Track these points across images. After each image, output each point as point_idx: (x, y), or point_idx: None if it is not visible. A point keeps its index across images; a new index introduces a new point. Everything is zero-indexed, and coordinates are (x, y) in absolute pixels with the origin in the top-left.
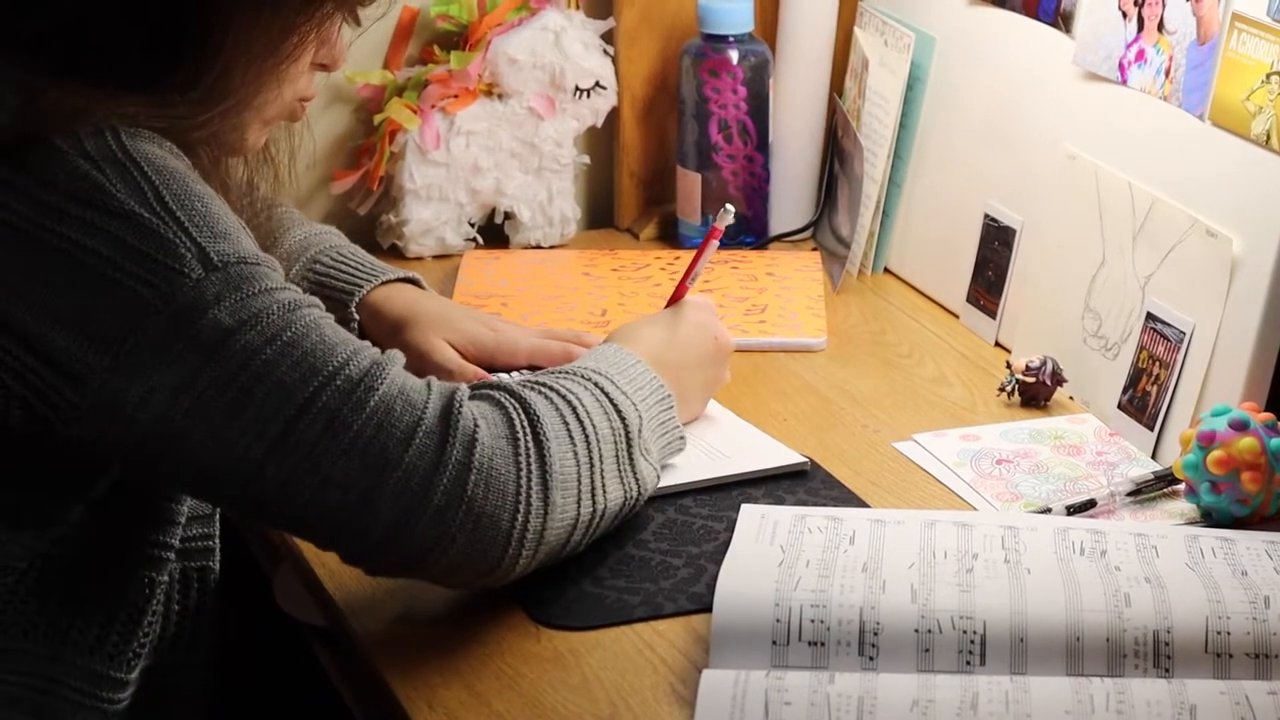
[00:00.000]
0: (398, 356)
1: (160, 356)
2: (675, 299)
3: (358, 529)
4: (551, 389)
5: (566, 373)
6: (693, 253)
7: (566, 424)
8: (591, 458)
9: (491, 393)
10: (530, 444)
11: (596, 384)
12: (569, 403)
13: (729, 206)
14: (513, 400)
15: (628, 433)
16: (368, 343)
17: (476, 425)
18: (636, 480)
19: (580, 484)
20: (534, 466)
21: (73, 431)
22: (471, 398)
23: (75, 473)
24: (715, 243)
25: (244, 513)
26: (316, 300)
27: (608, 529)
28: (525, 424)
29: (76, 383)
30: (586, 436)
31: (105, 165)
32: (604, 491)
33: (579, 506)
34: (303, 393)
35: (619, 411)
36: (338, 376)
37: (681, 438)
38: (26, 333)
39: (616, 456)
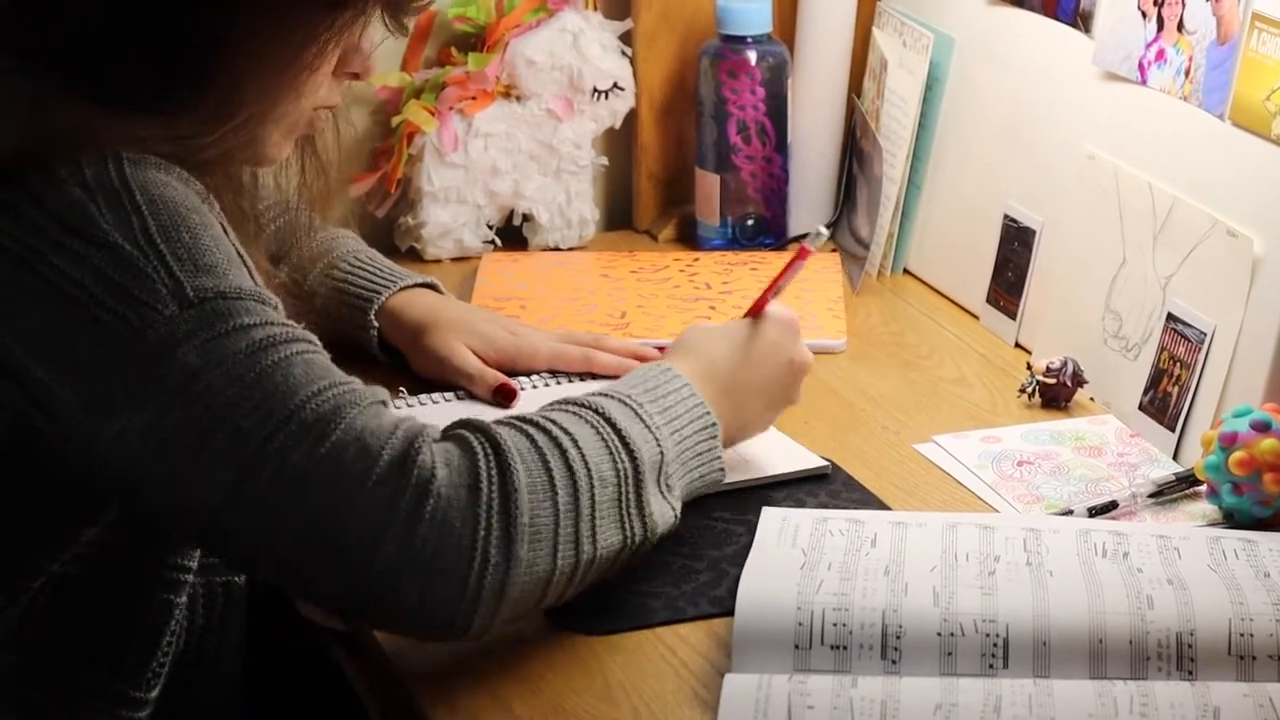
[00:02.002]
0: (377, 393)
1: (131, 396)
2: (755, 311)
3: (312, 579)
4: (542, 429)
5: (574, 406)
6: (723, 253)
7: (548, 468)
8: (578, 504)
9: (465, 434)
10: (494, 494)
11: (609, 419)
12: (558, 444)
13: (822, 229)
14: (485, 444)
15: (637, 471)
16: (348, 381)
17: (434, 474)
18: (643, 522)
19: (559, 534)
20: (496, 518)
21: (52, 463)
22: (445, 437)
23: (78, 498)
24: (804, 261)
25: (211, 554)
26: (305, 336)
27: (607, 573)
28: (493, 471)
29: (51, 417)
30: (574, 481)
31: (99, 194)
32: (593, 539)
33: (556, 559)
34: (257, 437)
35: (628, 449)
36: (291, 421)
37: (721, 469)
38: (11, 361)
39: (619, 499)
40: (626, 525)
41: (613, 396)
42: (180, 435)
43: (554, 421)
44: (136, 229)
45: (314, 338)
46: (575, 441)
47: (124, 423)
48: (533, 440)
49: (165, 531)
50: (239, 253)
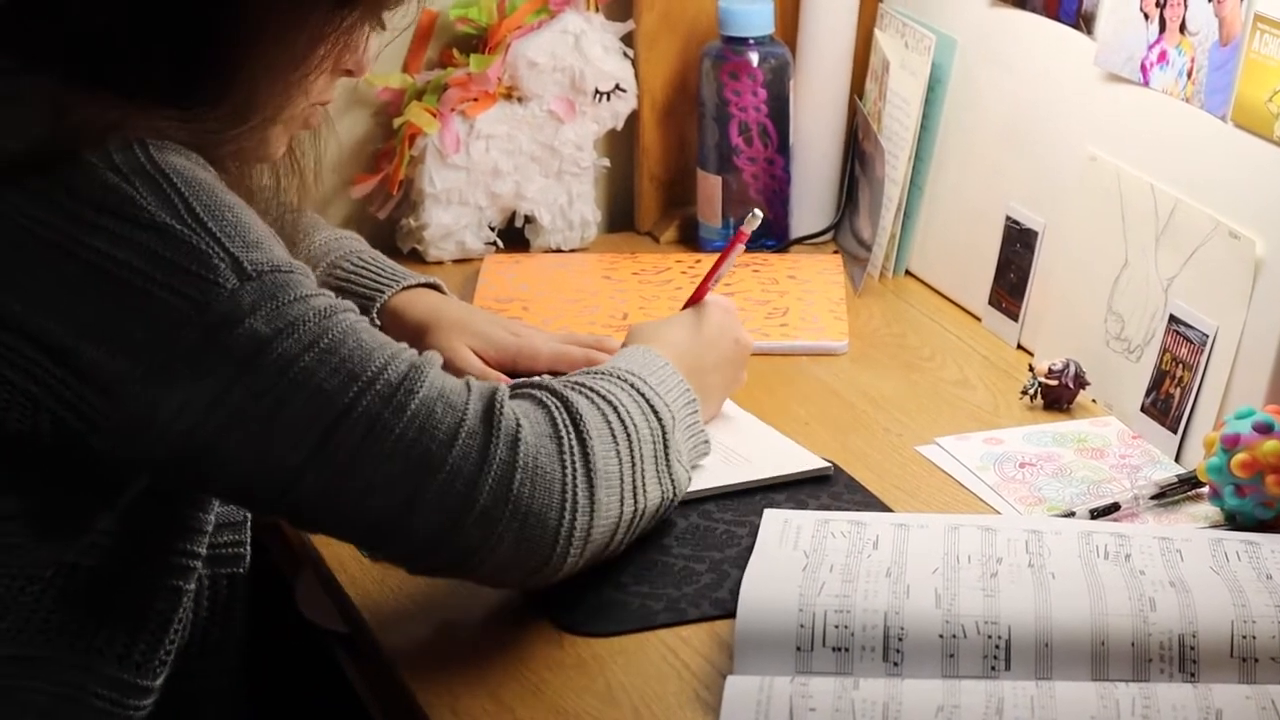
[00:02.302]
0: (435, 358)
1: (194, 368)
2: (695, 300)
3: (402, 533)
4: (591, 389)
5: (603, 374)
6: (716, 255)
7: (609, 423)
8: (634, 457)
9: (533, 392)
10: (574, 442)
11: (633, 385)
12: (609, 402)
13: (756, 211)
14: (555, 399)
15: (664, 434)
16: (405, 345)
17: (519, 424)
18: (673, 481)
19: (624, 483)
20: (579, 464)
21: (104, 443)
22: (513, 396)
23: (103, 482)
24: (740, 246)
25: (280, 518)
26: (351, 305)
27: (645, 529)
28: (568, 422)
29: (107, 395)
30: (629, 436)
31: (134, 178)
32: (644, 491)
33: (622, 505)
34: (342, 399)
35: (655, 413)
36: (377, 381)
37: (706, 441)
38: (56, 345)
39: (655, 457)
40: (663, 481)
41: (622, 368)
42: (254, 403)
43: (597, 383)
44: (182, 209)
45: (355, 306)
46: (621, 402)
47: (188, 393)
48: (590, 399)
49: (231, 501)
50: (270, 231)
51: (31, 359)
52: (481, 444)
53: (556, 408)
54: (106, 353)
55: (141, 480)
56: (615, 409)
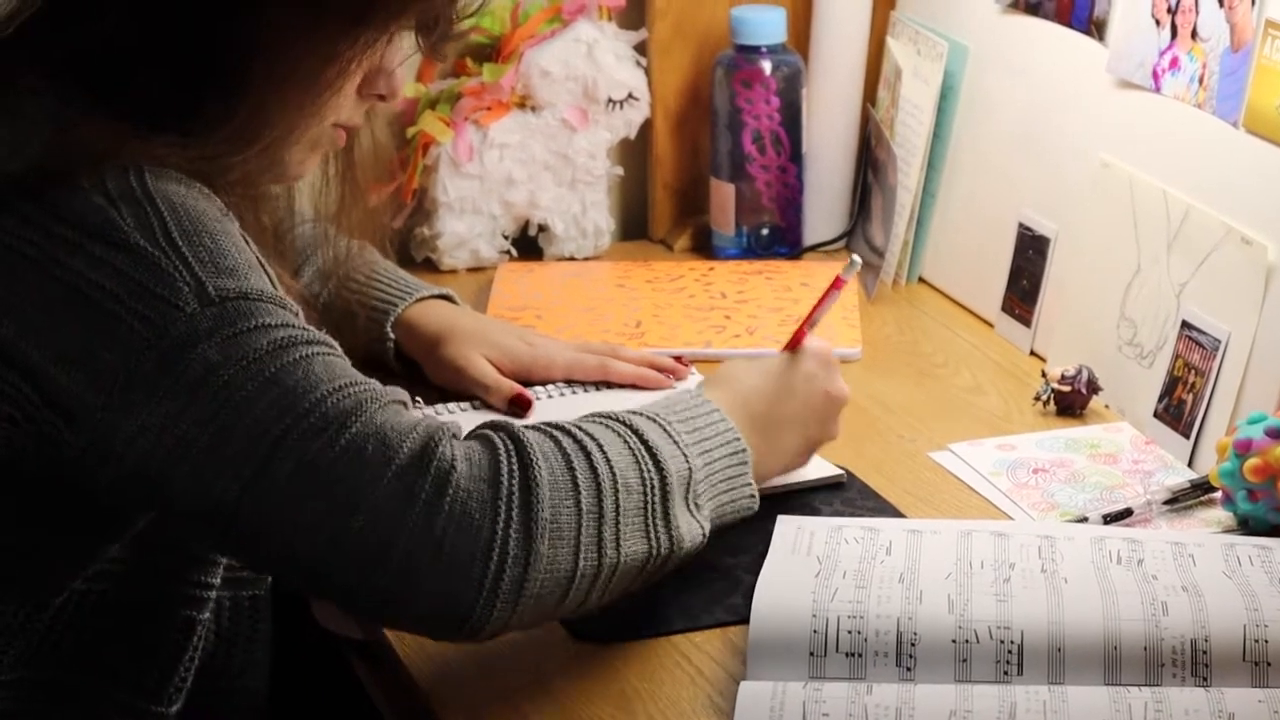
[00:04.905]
0: (397, 394)
1: (150, 394)
2: (792, 345)
3: (328, 574)
4: (567, 433)
5: (603, 418)
6: (738, 262)
7: (572, 469)
8: (601, 507)
9: (488, 433)
10: (515, 488)
11: (636, 431)
12: (583, 448)
13: (856, 258)
14: (508, 441)
15: (665, 483)
16: (370, 382)
17: (453, 466)
18: (670, 535)
19: (581, 534)
20: (516, 511)
21: (74, 472)
22: (469, 436)
23: (101, 511)
24: (839, 291)
25: (231, 556)
26: (323, 338)
27: (637, 584)
28: (514, 467)
29: (71, 422)
30: (598, 483)
31: (121, 201)
32: (616, 545)
33: (579, 559)
34: (275, 430)
35: (655, 461)
36: (312, 414)
37: (752, 497)
38: (33, 369)
39: (644, 508)
40: (652, 536)
41: (641, 414)
42: (199, 430)
43: (580, 428)
44: (158, 231)
45: (334, 341)
46: (600, 446)
47: (142, 420)
48: (556, 441)
49: (187, 536)
50: (260, 261)
51: (10, 382)
52: (407, 485)
53: (506, 451)
54: (74, 378)
55: (144, 512)
56: (588, 455)
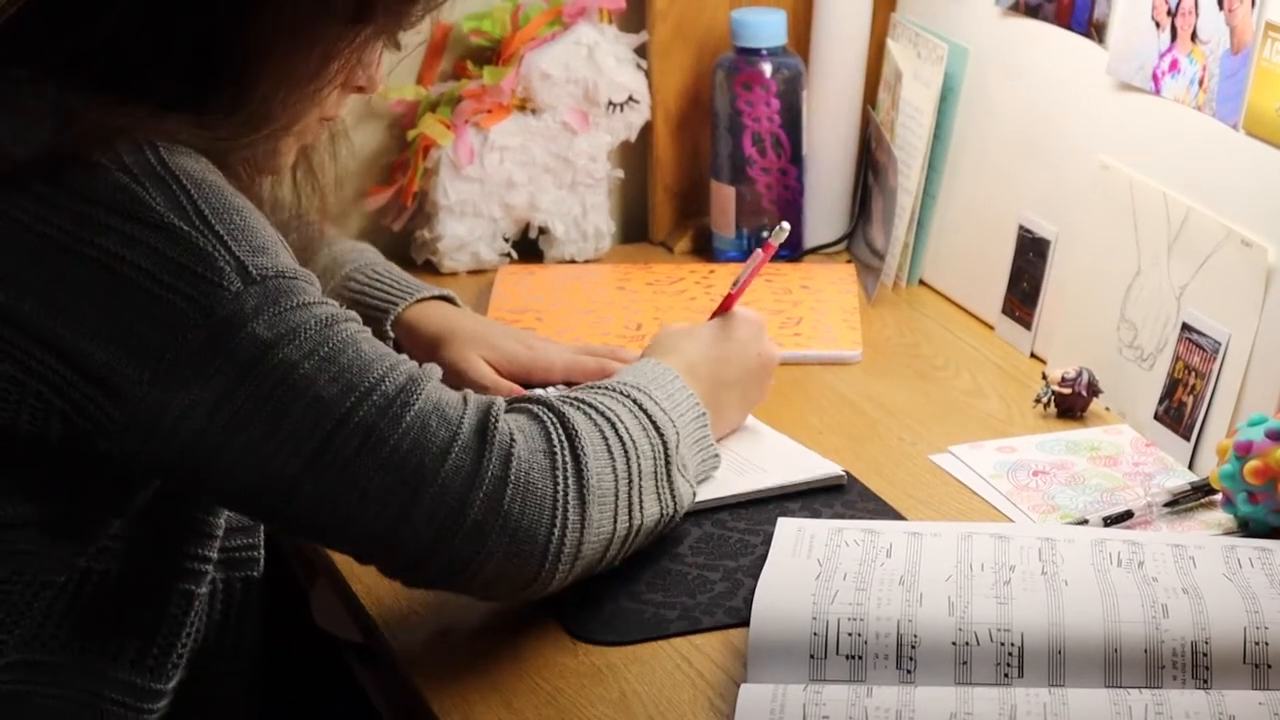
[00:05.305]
0: (434, 371)
1: (199, 370)
2: (722, 311)
3: (395, 545)
4: (590, 405)
5: (605, 389)
6: (739, 265)
7: (605, 439)
8: (630, 473)
9: (529, 406)
10: (568, 458)
11: (636, 401)
12: (607, 419)
13: (784, 225)
14: (550, 414)
15: (666, 450)
16: (404, 356)
17: (513, 439)
18: (674, 497)
19: (618, 499)
20: (571, 480)
21: (113, 446)
22: (509, 411)
23: (113, 486)
24: (767, 257)
25: (281, 528)
26: (354, 314)
27: (642, 545)
28: (563, 438)
29: (116, 397)
30: (626, 452)
31: (144, 179)
32: (641, 508)
33: (615, 522)
34: (340, 408)
35: (658, 429)
36: (374, 392)
37: (716, 455)
38: (65, 347)
39: (655, 473)
40: (662, 498)
41: (628, 385)
42: (256, 408)
43: (598, 400)
44: (190, 210)
45: (357, 315)
46: (620, 418)
47: (193, 397)
48: (587, 415)
49: (231, 509)
50: (280, 237)
51: (41, 360)
52: (474, 458)
53: (552, 423)
54: (114, 355)
55: (151, 484)
56: (613, 425)
